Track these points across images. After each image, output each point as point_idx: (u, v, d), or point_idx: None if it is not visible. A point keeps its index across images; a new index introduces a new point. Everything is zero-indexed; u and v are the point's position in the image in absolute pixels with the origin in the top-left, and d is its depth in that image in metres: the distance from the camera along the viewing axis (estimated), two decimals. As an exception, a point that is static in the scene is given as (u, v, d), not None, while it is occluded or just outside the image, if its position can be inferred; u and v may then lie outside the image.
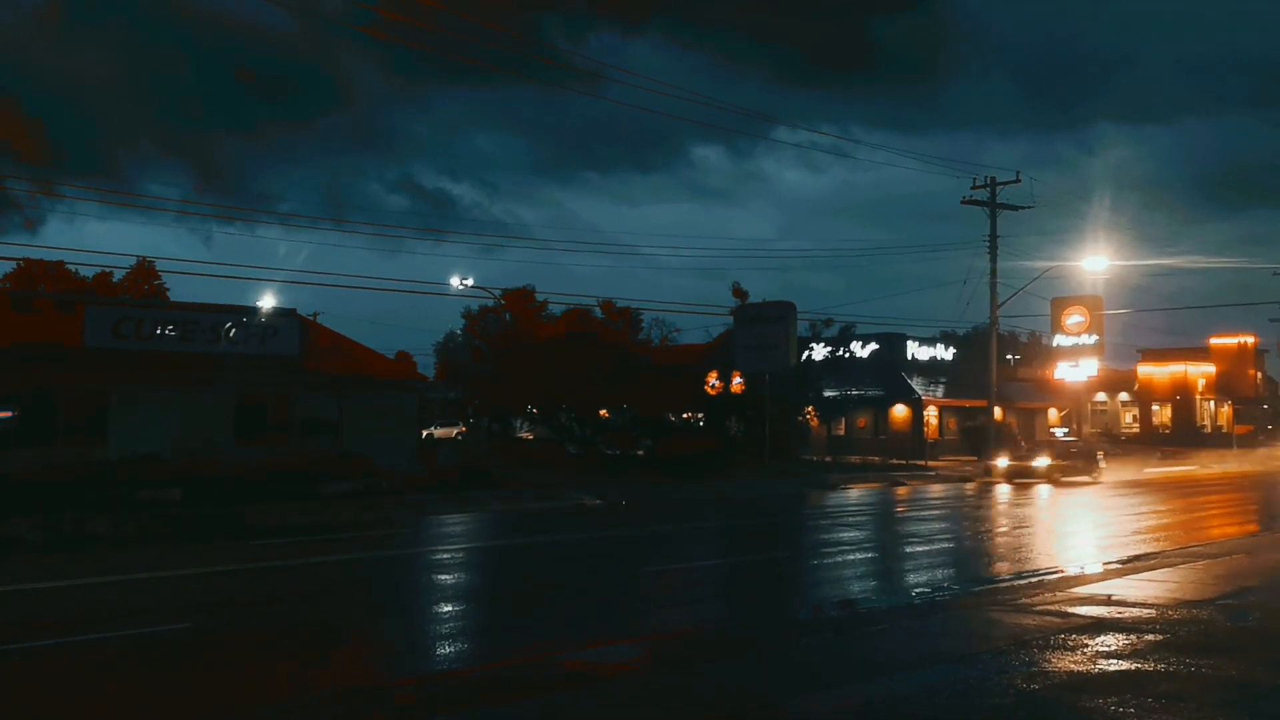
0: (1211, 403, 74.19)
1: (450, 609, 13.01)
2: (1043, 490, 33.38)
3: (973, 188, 41.85)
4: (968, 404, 53.57)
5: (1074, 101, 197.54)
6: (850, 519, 24.81)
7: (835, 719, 7.56)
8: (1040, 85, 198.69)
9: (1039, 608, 11.43)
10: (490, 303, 49.49)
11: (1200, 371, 72.46)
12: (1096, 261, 44.75)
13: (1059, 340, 53.52)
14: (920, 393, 53.78)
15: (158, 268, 51.35)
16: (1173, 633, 9.92)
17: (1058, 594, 12.47)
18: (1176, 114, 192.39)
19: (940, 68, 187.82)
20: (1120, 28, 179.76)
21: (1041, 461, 37.04)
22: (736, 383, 44.30)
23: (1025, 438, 56.20)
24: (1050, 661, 8.79)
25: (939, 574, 15.62)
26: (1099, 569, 15.15)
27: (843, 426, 55.03)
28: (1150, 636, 9.73)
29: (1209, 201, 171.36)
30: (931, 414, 54.80)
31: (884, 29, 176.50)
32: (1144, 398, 73.77)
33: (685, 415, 48.45)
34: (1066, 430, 61.87)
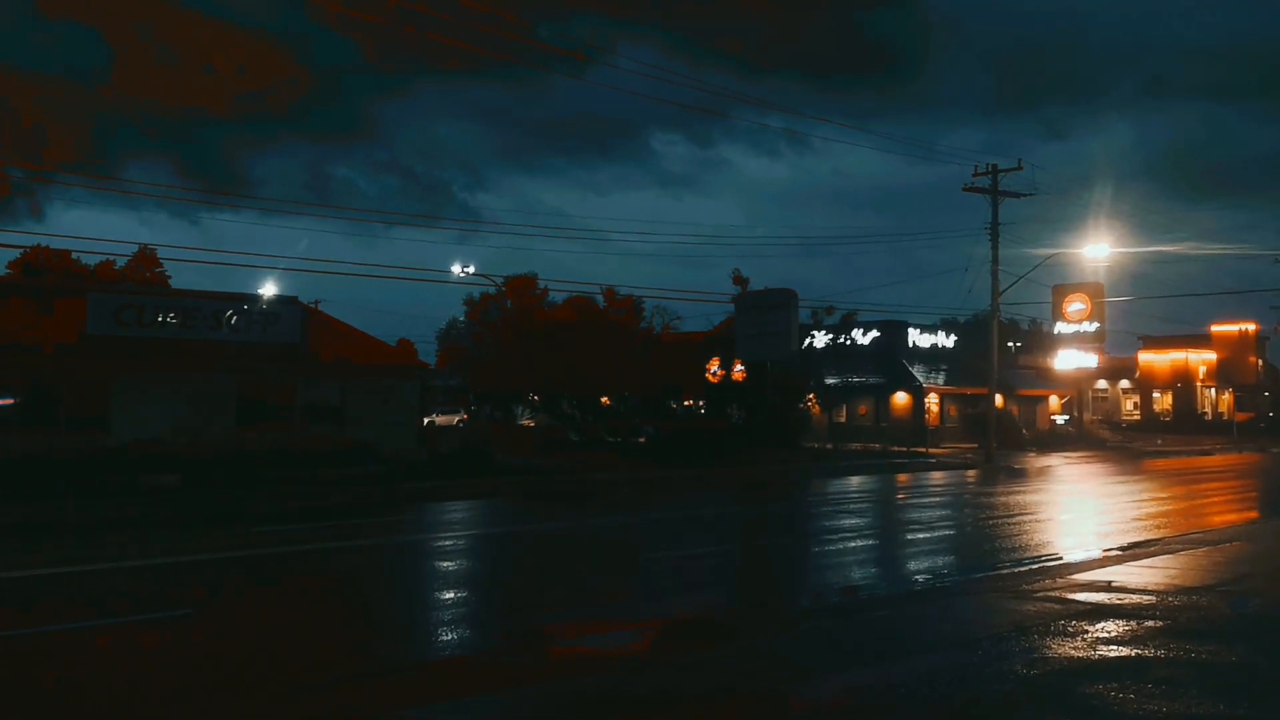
0: (1213, 390, 74.21)
1: (455, 595, 13.05)
2: (1042, 477, 33.42)
3: (975, 175, 41.70)
4: (969, 391, 53.59)
5: (1041, 90, 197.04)
6: (852, 505, 24.85)
7: (835, 704, 7.59)
8: (1011, 74, 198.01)
9: (1039, 594, 11.45)
10: (492, 290, 49.43)
11: (1201, 359, 72.48)
12: (1098, 249, 44.62)
13: (1060, 328, 53.52)
14: (921, 380, 53.80)
15: (159, 255, 51.37)
16: (1173, 619, 9.95)
17: (1058, 580, 12.51)
18: (1142, 103, 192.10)
19: (913, 56, 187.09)
20: (1076, 17, 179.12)
21: None
22: (738, 370, 44.34)
23: (1026, 425, 56.27)
24: (1050, 647, 8.82)
25: (940, 560, 15.66)
26: (1099, 555, 15.18)
27: (844, 413, 55.11)
28: (1150, 623, 9.76)
29: (1192, 191, 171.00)
30: (932, 401, 54.83)
31: (855, 17, 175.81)
32: (1145, 385, 73.79)
33: (687, 402, 48.54)
34: (1068, 417, 61.90)
